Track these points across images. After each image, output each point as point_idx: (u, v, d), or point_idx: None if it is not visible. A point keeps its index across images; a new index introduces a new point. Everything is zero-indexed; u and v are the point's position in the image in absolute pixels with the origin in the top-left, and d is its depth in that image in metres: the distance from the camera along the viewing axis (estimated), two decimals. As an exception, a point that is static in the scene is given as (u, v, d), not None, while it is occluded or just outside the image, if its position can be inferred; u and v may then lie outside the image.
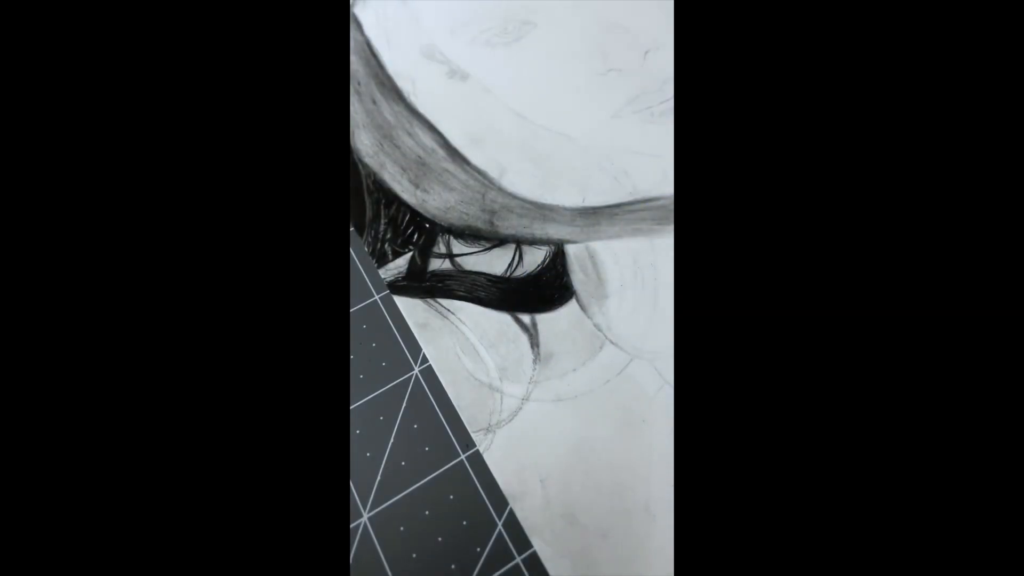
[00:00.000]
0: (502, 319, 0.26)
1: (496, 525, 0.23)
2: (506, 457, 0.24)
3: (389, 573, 0.22)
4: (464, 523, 0.23)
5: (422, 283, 0.27)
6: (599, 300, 0.27)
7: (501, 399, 0.25)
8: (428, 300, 0.27)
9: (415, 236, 0.28)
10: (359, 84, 0.31)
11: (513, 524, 0.23)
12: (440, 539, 0.23)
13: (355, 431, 0.24)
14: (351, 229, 0.28)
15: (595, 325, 0.26)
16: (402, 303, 0.27)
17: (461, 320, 0.27)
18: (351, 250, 0.28)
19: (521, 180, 0.29)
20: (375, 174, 0.29)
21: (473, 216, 0.28)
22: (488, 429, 0.24)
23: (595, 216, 0.28)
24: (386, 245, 0.28)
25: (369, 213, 0.29)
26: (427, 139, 0.30)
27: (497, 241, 0.28)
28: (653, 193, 0.29)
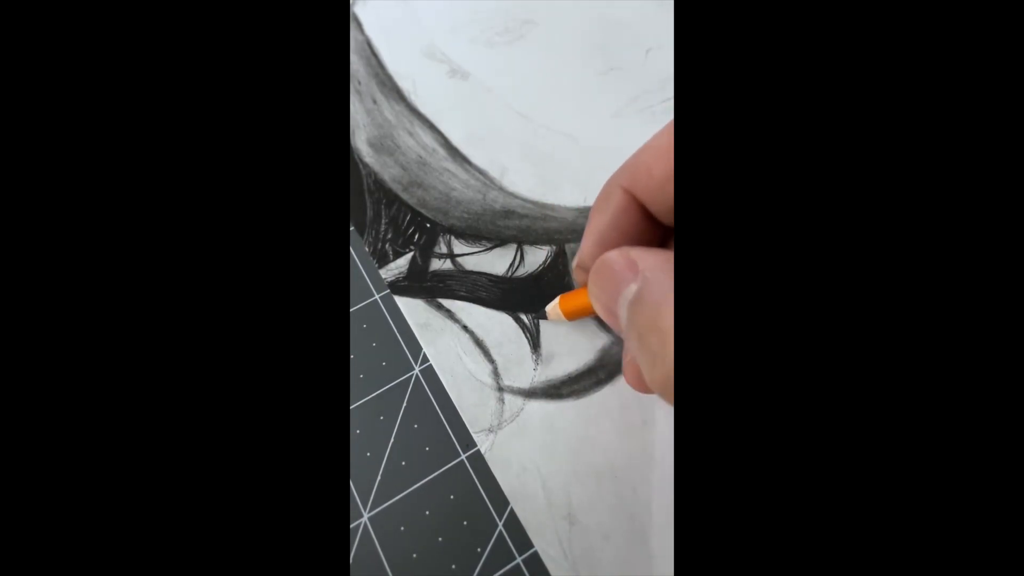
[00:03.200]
0: (503, 319, 0.26)
1: (497, 525, 0.23)
2: (507, 457, 0.24)
3: (389, 573, 0.22)
4: (464, 523, 0.23)
5: (423, 283, 0.27)
6: (600, 300, 0.27)
7: (503, 399, 0.25)
8: (429, 300, 0.27)
9: (416, 236, 0.28)
10: (359, 84, 0.31)
11: (514, 524, 0.23)
12: (440, 539, 0.23)
13: (355, 431, 0.24)
14: (351, 229, 0.28)
15: (596, 325, 0.26)
16: (403, 303, 0.27)
17: (462, 320, 0.26)
18: (351, 250, 0.28)
19: (522, 179, 0.29)
20: (375, 174, 0.29)
21: (474, 216, 0.28)
22: (489, 429, 0.24)
23: (596, 216, 0.28)
24: (387, 245, 0.28)
25: (370, 213, 0.29)
26: (428, 139, 0.30)
27: (498, 241, 0.28)
28: (655, 193, 0.29)
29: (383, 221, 0.28)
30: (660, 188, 0.20)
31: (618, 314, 0.18)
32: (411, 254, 0.28)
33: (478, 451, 0.24)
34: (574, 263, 0.23)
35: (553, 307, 0.25)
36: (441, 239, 0.28)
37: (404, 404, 0.25)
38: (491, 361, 0.26)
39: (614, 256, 0.19)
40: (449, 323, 0.26)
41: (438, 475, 0.24)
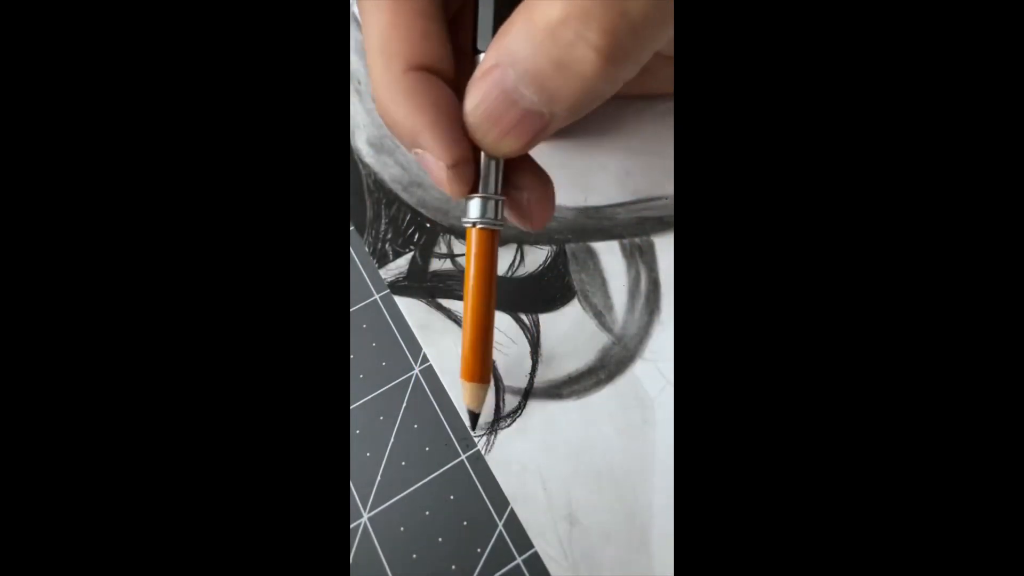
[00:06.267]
0: (503, 319, 0.26)
1: (497, 526, 0.23)
2: (507, 458, 0.24)
3: (389, 574, 0.22)
4: (465, 523, 0.23)
5: (423, 283, 0.27)
6: (601, 300, 0.27)
7: (503, 399, 0.25)
8: (429, 300, 0.27)
9: (416, 236, 0.28)
10: (359, 83, 0.31)
11: (514, 525, 0.23)
12: (440, 540, 0.23)
13: (355, 431, 0.24)
14: (351, 229, 0.28)
15: (597, 325, 0.26)
16: (403, 303, 0.27)
17: (462, 320, 0.26)
18: (351, 250, 0.28)
19: (522, 180, 0.29)
20: (375, 174, 0.29)
21: (474, 216, 0.28)
22: (489, 430, 0.24)
23: (597, 215, 0.28)
24: (387, 245, 0.28)
25: (370, 213, 0.29)
26: (428, 139, 0.30)
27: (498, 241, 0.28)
28: (655, 192, 0.29)
29: (383, 221, 0.28)
30: None
31: (520, 100, 0.17)
32: (411, 254, 0.28)
33: (478, 451, 0.24)
34: (443, 175, 0.19)
35: (467, 390, 0.23)
36: (441, 239, 0.28)
37: (404, 404, 0.25)
38: (491, 361, 0.26)
39: (479, 86, 0.17)
40: (449, 323, 0.26)
41: (438, 475, 0.24)
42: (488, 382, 0.23)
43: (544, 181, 0.21)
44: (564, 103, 0.16)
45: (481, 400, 0.23)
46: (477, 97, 0.17)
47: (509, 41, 0.16)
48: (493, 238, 0.21)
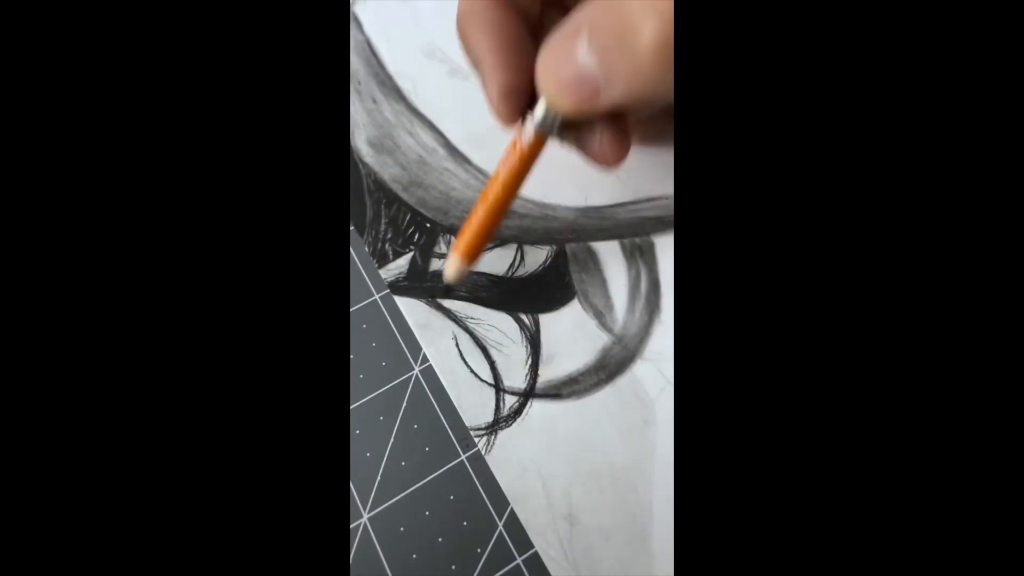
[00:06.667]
0: (503, 319, 0.26)
1: (497, 526, 0.23)
2: (507, 458, 0.24)
3: (389, 574, 0.22)
4: (465, 523, 0.23)
5: (423, 283, 0.27)
6: (602, 300, 0.27)
7: (503, 399, 0.25)
8: (429, 300, 0.27)
9: (416, 236, 0.28)
10: (359, 83, 0.31)
11: (514, 525, 0.23)
12: (440, 540, 0.23)
13: (355, 431, 0.24)
14: (351, 229, 0.28)
15: (597, 325, 0.26)
16: (403, 303, 0.27)
17: (462, 320, 0.26)
18: (351, 250, 0.28)
19: (522, 179, 0.29)
20: (375, 174, 0.29)
21: (474, 216, 0.28)
22: (489, 430, 0.24)
23: (597, 215, 0.28)
24: (387, 245, 0.28)
25: (369, 213, 0.29)
26: (428, 138, 0.30)
27: (499, 241, 0.28)
28: (656, 192, 0.29)
29: (383, 221, 0.28)
30: None
31: (581, 61, 0.18)
32: (411, 254, 0.28)
33: (478, 451, 0.24)
34: (493, 96, 0.21)
35: (451, 263, 0.24)
36: (441, 239, 0.28)
37: (404, 404, 0.25)
38: (491, 361, 0.26)
39: (555, 40, 0.19)
40: (449, 323, 0.26)
41: (438, 475, 0.24)
42: (472, 266, 0.24)
43: (621, 126, 0.22)
44: (617, 77, 0.18)
45: (460, 279, 0.25)
46: (548, 45, 0.19)
47: (595, 7, 0.18)
48: (540, 142, 0.22)
